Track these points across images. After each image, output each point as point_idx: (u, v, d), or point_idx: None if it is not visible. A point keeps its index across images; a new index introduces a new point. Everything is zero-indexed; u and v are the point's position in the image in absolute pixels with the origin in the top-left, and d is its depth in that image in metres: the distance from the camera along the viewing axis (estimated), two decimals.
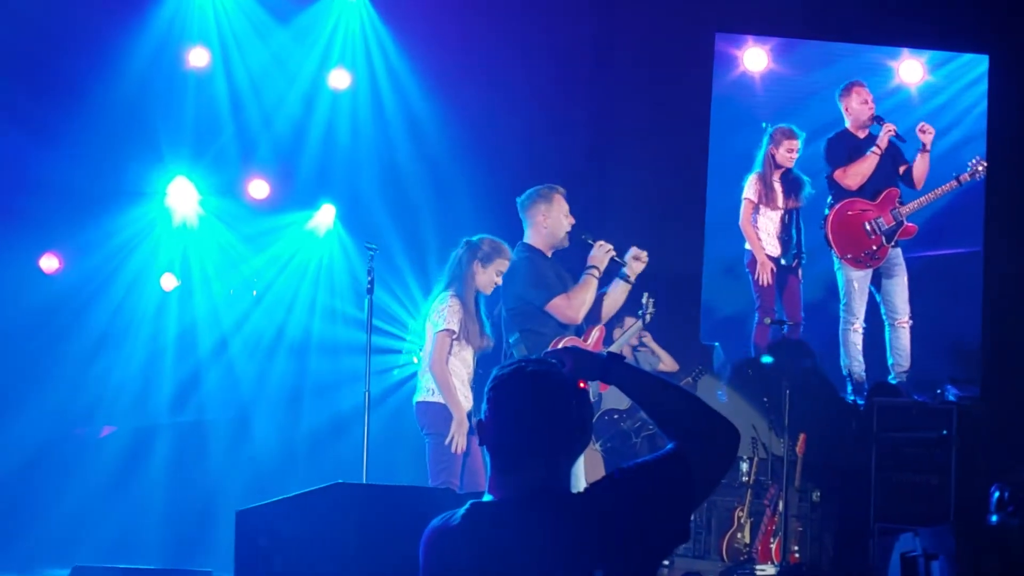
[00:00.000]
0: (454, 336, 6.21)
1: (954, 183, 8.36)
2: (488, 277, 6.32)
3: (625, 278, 6.23)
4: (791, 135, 8.59)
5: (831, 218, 8.49)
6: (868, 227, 8.42)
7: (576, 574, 2.41)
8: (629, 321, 6.95)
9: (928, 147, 8.38)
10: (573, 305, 6.07)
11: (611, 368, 2.60)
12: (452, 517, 2.51)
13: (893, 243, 8.46)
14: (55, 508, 8.02)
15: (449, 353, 6.21)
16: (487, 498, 2.53)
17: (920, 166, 8.45)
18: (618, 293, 6.30)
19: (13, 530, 7.90)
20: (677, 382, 8.39)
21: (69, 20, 8.40)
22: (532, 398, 2.51)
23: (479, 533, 2.47)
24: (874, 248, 8.42)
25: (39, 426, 8.32)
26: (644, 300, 6.44)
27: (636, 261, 6.20)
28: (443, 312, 6.21)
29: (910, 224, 8.46)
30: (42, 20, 8.37)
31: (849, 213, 8.45)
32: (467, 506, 2.52)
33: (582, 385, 2.58)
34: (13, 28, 8.27)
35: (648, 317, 6.45)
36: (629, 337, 6.73)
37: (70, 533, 7.91)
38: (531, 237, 6.29)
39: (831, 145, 8.56)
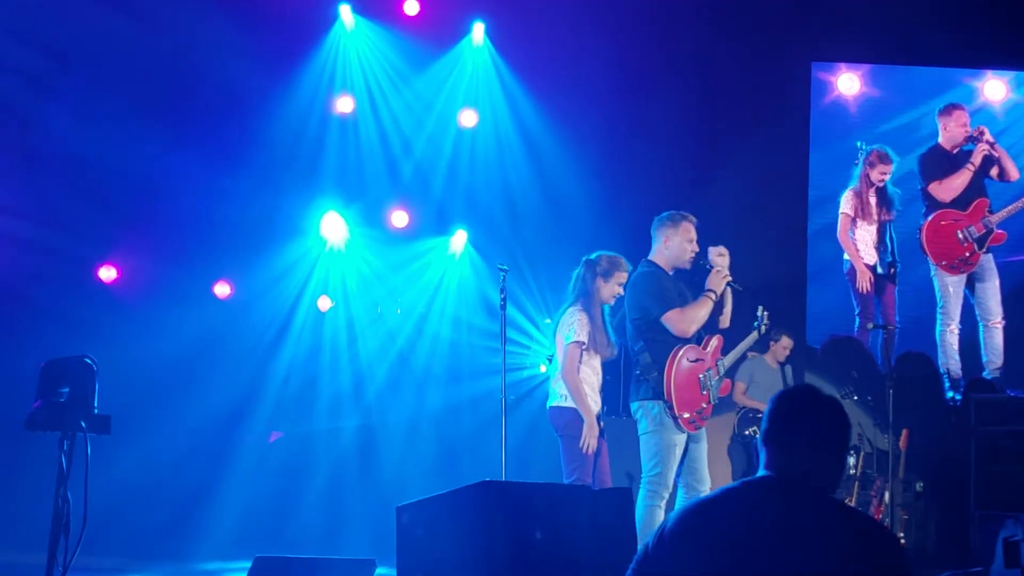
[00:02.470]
0: (583, 347, 6.37)
1: None
2: (610, 290, 6.50)
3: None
4: (886, 159, 8.63)
5: (925, 228, 8.53)
6: (960, 235, 8.43)
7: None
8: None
9: (994, 141, 8.30)
10: (685, 319, 6.25)
11: None
12: (709, 497, 2.86)
13: (984, 249, 8.42)
14: (235, 505, 8.44)
15: (580, 362, 6.37)
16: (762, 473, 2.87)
17: (1005, 162, 8.35)
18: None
19: (198, 526, 8.38)
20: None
21: (237, 81, 8.91)
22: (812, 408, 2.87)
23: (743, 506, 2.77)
24: (967, 255, 8.43)
25: (216, 433, 8.83)
26: (759, 312, 6.53)
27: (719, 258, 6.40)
28: (573, 325, 6.38)
29: (1000, 231, 8.42)
30: (215, 85, 8.93)
31: (942, 223, 8.49)
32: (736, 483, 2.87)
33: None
34: (191, 93, 8.82)
35: (763, 328, 6.53)
36: (745, 347, 6.77)
37: (245, 527, 8.34)
38: (655, 254, 6.47)
39: (924, 160, 8.60)
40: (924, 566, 7.08)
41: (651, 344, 6.29)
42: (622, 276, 6.47)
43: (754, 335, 6.62)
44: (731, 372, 8.83)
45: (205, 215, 9.01)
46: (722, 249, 6.46)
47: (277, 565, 6.78)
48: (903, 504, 7.85)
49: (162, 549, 8.12)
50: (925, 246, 8.53)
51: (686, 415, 6.16)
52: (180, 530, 8.28)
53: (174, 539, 8.23)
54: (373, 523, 7.88)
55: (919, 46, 8.98)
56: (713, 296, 6.30)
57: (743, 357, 7.65)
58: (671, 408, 6.14)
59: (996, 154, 8.45)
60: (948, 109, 8.59)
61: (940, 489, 7.98)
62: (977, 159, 8.37)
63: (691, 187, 9.10)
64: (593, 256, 6.54)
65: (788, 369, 8.65)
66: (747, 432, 8.55)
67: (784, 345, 8.41)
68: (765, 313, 6.53)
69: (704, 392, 6.27)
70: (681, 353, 6.23)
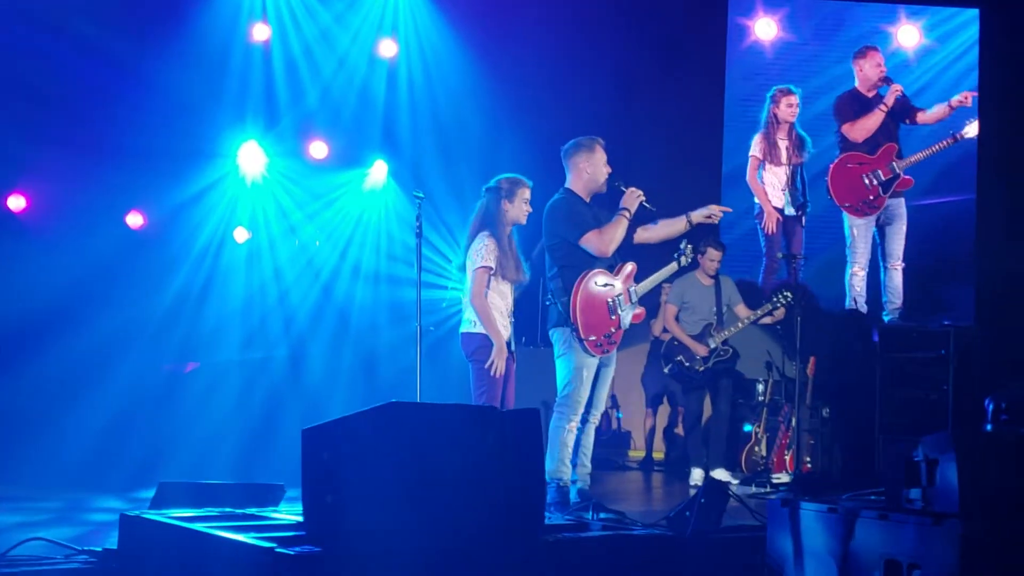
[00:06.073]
0: (491, 272, 6.15)
1: (950, 140, 8.14)
2: (518, 209, 6.22)
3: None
4: (788, 92, 8.46)
5: (832, 170, 8.27)
6: (866, 179, 8.19)
7: None
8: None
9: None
10: (604, 239, 6.03)
11: None
12: None
13: (890, 194, 8.20)
14: (146, 436, 8.01)
15: (487, 287, 6.14)
16: None
17: (926, 115, 8.24)
18: (662, 230, 6.20)
19: (112, 456, 7.87)
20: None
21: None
22: None
23: None
24: (871, 198, 8.19)
25: (131, 365, 8.34)
26: (683, 245, 6.23)
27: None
28: (480, 251, 6.15)
29: (907, 177, 8.20)
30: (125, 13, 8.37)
31: (849, 166, 8.24)
32: None
33: None
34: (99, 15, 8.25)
35: (684, 261, 6.24)
36: (661, 277, 6.39)
37: (160, 457, 7.87)
38: (571, 182, 6.23)
39: (840, 102, 8.35)
40: (830, 488, 6.94)
41: (564, 270, 6.10)
42: (526, 192, 6.22)
43: (673, 266, 6.28)
44: (655, 297, 8.55)
45: (120, 142, 8.44)
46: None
47: (182, 491, 6.44)
48: (810, 429, 7.74)
49: (67, 479, 7.60)
50: (830, 187, 8.27)
51: (592, 338, 5.97)
52: (88, 459, 7.77)
53: (80, 469, 7.72)
54: (286, 450, 7.55)
55: None
56: (627, 215, 6.06)
57: (669, 281, 7.30)
58: (576, 331, 5.95)
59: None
60: (863, 51, 8.33)
61: (846, 414, 7.86)
62: (890, 100, 8.13)
63: (609, 125, 8.78)
64: (492, 183, 6.26)
65: (725, 280, 8.15)
66: (672, 366, 7.97)
67: (711, 257, 7.90)
68: (689, 246, 6.26)
69: (613, 317, 6.04)
70: (588, 276, 6.02)
